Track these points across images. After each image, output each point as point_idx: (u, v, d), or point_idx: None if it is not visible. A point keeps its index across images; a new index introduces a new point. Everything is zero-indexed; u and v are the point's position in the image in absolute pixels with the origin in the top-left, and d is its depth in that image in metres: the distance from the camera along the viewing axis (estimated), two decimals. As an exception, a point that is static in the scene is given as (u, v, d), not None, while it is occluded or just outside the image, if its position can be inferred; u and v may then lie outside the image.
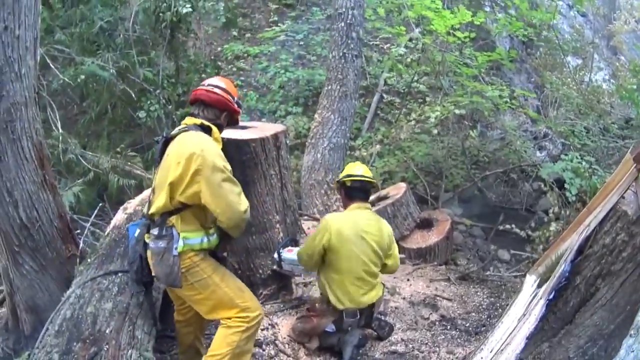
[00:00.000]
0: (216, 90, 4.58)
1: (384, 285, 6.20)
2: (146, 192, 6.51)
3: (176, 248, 4.19)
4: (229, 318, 4.43)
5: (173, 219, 4.28)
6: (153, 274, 4.37)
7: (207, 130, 4.45)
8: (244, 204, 4.31)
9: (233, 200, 4.22)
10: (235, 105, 4.68)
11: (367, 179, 5.87)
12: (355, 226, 5.65)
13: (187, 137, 4.33)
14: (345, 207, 6.00)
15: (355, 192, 5.90)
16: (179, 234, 4.24)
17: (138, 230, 4.48)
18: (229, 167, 4.33)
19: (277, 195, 6.33)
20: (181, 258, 4.25)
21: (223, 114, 4.63)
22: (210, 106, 4.57)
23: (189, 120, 4.53)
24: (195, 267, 4.34)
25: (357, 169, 5.92)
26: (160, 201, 4.29)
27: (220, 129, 4.65)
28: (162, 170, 4.36)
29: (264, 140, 5.93)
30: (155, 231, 4.27)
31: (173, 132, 4.45)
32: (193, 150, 4.18)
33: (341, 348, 5.71)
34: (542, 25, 12.89)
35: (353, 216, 5.78)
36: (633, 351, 3.66)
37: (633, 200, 4.35)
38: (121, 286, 4.87)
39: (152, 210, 4.36)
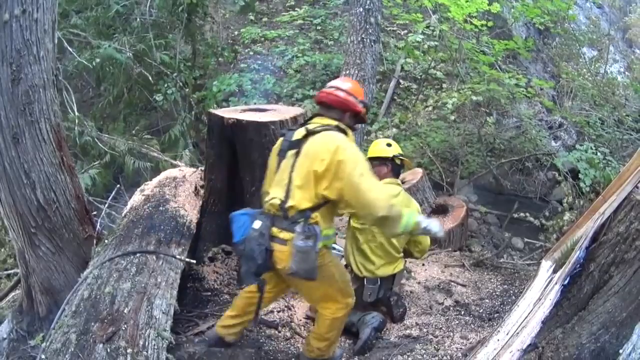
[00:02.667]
0: (337, 92, 4.69)
1: (405, 261, 6.29)
2: (164, 174, 6.57)
3: (317, 244, 4.23)
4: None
5: (317, 216, 4.33)
6: (292, 267, 4.27)
7: (342, 132, 4.54)
8: (384, 200, 4.28)
9: (371, 197, 4.23)
10: (359, 106, 4.74)
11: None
12: None
13: (331, 134, 4.41)
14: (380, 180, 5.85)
15: (398, 169, 6.13)
16: (321, 231, 4.29)
17: (259, 223, 4.42)
18: (367, 165, 4.39)
19: (296, 176, 6.34)
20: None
21: (346, 114, 4.71)
22: (332, 107, 4.68)
23: (322, 120, 4.62)
24: (328, 263, 4.51)
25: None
26: (303, 196, 4.32)
27: (352, 130, 4.77)
28: (302, 165, 4.37)
29: (283, 122, 5.92)
30: (299, 228, 4.23)
31: (313, 128, 4.49)
32: (338, 144, 4.28)
33: (359, 329, 5.74)
34: (559, 15, 12.83)
35: None
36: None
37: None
38: (139, 266, 4.91)
39: (290, 203, 4.33)
